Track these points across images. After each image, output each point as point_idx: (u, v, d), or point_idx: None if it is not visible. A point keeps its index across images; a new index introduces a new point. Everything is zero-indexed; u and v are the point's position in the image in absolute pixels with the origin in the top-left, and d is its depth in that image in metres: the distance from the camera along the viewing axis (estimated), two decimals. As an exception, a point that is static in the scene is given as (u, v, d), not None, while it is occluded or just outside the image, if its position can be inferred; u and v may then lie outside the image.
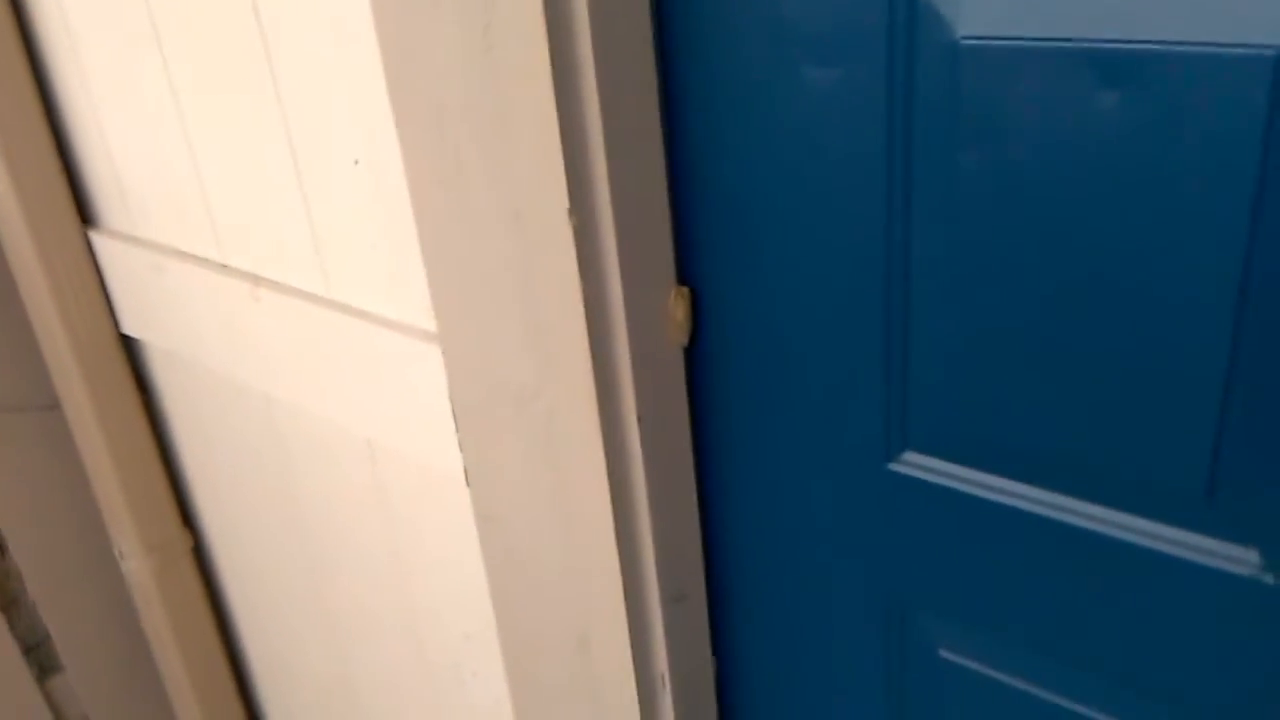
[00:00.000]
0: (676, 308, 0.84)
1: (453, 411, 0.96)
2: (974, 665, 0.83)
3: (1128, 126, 0.60)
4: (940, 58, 0.65)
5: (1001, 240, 0.67)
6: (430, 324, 0.98)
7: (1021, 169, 0.64)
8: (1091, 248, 0.64)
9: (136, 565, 1.53)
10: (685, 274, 0.85)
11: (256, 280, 1.15)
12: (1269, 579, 0.66)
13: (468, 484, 0.99)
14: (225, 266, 1.20)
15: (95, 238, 1.35)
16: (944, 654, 0.85)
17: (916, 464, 0.78)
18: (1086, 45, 0.59)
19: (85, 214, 1.36)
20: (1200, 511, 0.67)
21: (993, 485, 0.75)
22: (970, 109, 0.65)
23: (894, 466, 0.80)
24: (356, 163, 0.96)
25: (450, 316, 0.90)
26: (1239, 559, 0.66)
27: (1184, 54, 0.56)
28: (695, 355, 0.88)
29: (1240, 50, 0.55)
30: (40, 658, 1.64)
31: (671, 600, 0.94)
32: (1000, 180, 0.66)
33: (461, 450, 0.98)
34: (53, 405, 1.49)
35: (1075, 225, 0.64)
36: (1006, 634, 0.80)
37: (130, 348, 1.45)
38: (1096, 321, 0.66)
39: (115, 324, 1.41)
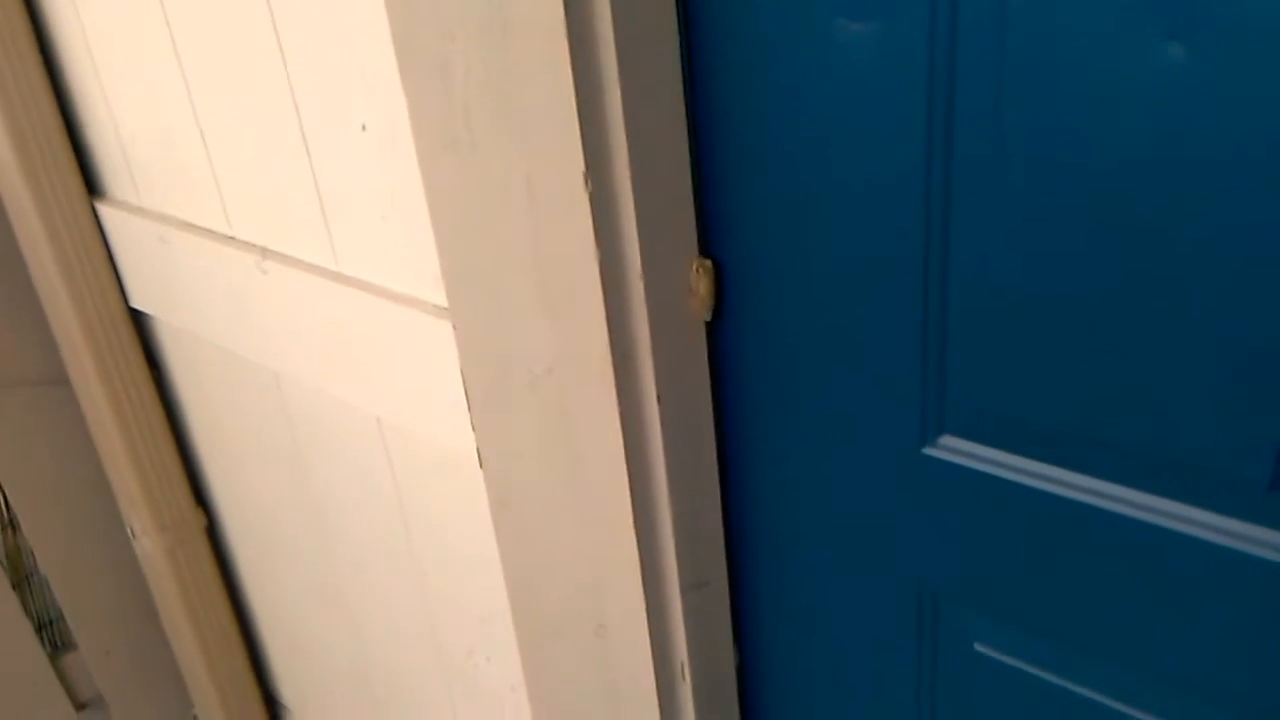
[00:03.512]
0: (699, 280, 0.80)
1: (464, 389, 0.92)
2: (1011, 660, 0.79)
3: (1195, 81, 0.54)
4: (987, 7, 0.60)
5: (1051, 207, 0.62)
6: (441, 298, 0.93)
7: (1075, 129, 0.59)
8: (1151, 216, 0.59)
9: (149, 544, 1.51)
10: (708, 245, 0.81)
11: (264, 252, 1.11)
12: (1337, 575, 0.61)
13: (480, 464, 0.95)
14: (232, 238, 1.16)
15: (102, 209, 1.32)
16: (979, 647, 0.80)
17: (954, 448, 0.74)
18: (1150, -9, 0.54)
19: (91, 185, 1.33)
20: (1261, 503, 0.62)
21: (1036, 471, 0.70)
22: (1019, 63, 0.60)
23: (930, 451, 0.75)
24: (364, 128, 0.91)
25: (461, 290, 0.86)
26: (1304, 553, 0.62)
27: (1261, 3, 0.51)
28: (719, 331, 0.84)
29: (1326, -7, 0.50)
30: (53, 635, 1.62)
31: (692, 587, 0.90)
32: (1051, 141, 0.60)
33: (474, 429, 0.94)
34: (63, 380, 1.46)
35: (1133, 191, 0.59)
36: (1046, 628, 0.75)
37: (139, 323, 1.42)
38: (1153, 296, 0.61)
39: (124, 298, 1.38)
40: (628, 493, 0.82)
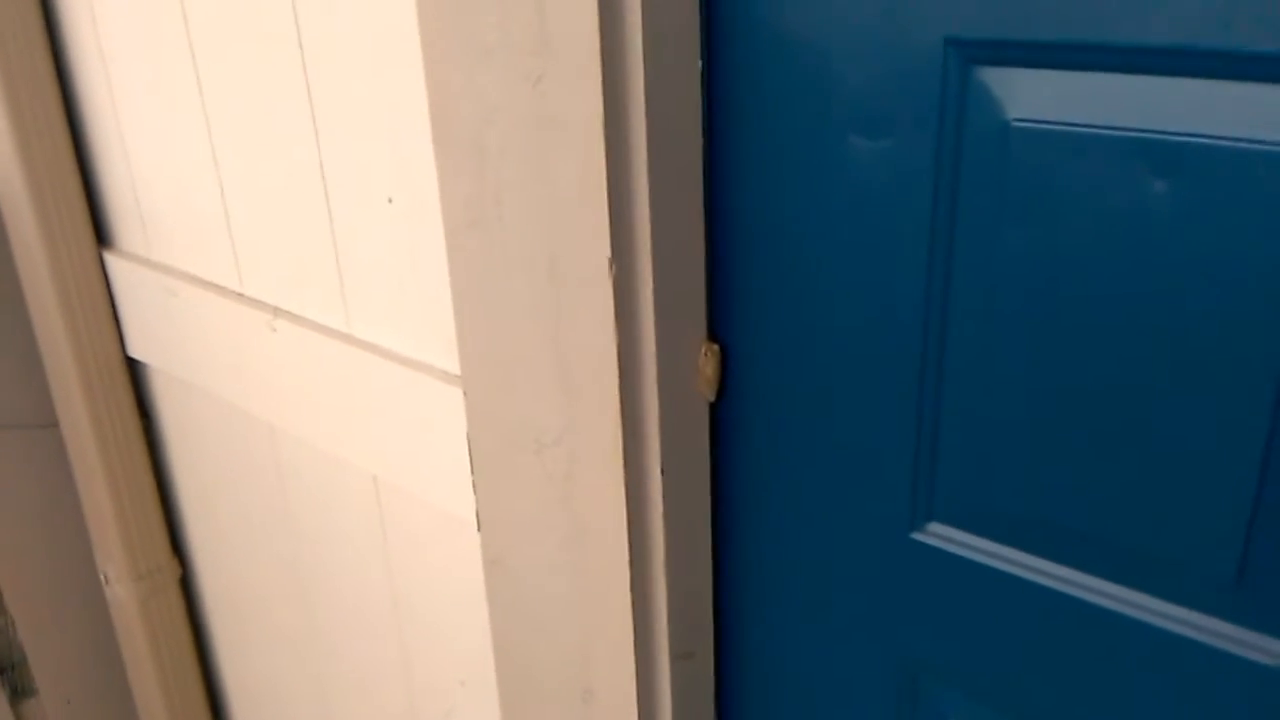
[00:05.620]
0: (706, 363, 0.85)
1: (469, 454, 0.96)
2: (985, 740, 0.83)
3: (1177, 217, 0.61)
4: (991, 137, 0.66)
5: (1042, 320, 0.68)
6: (452, 365, 0.98)
7: (1065, 252, 0.65)
8: (1132, 334, 0.65)
9: (122, 591, 1.50)
10: (715, 329, 0.86)
11: (275, 311, 1.15)
12: (1293, 670, 0.66)
13: (479, 527, 0.98)
14: (242, 295, 1.20)
15: (109, 258, 1.35)
16: (955, 727, 0.84)
17: (941, 535, 0.78)
18: (1139, 135, 0.61)
19: (101, 234, 1.36)
20: (1228, 599, 0.67)
21: (1018, 560, 0.75)
22: (1017, 189, 0.66)
23: (918, 536, 0.80)
24: (390, 200, 0.96)
25: (476, 359, 0.90)
26: (1264, 649, 0.66)
27: (1238, 150, 0.58)
28: (720, 410, 0.88)
29: (1293, 148, 0.56)
30: (14, 680, 1.60)
31: (679, 657, 0.93)
32: (1043, 262, 0.67)
33: (475, 493, 0.97)
34: (49, 424, 1.47)
35: (1117, 310, 0.65)
36: (1020, 710, 0.79)
37: (134, 371, 1.44)
38: (1132, 406, 0.66)
39: (122, 346, 1.40)
40: (627, 561, 0.86)
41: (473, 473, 0.97)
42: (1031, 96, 0.64)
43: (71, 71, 1.29)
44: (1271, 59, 0.56)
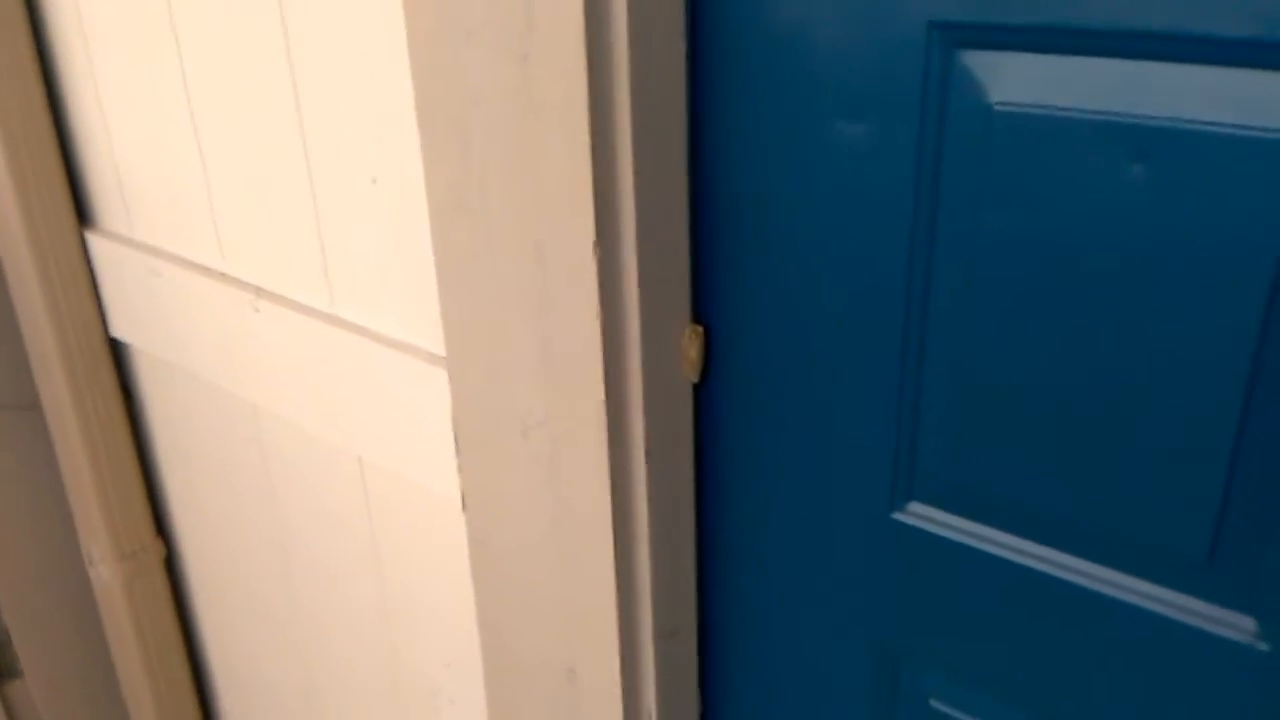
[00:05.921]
0: (690, 345, 0.85)
1: (454, 435, 0.96)
2: (963, 717, 0.84)
3: (1156, 202, 0.61)
4: (973, 120, 0.67)
5: (1020, 303, 0.69)
6: (437, 347, 0.98)
7: (1046, 235, 0.66)
8: (1108, 316, 0.65)
9: (106, 572, 1.50)
10: (700, 311, 0.86)
11: (258, 291, 1.15)
12: (1263, 646, 0.67)
13: (464, 508, 0.99)
14: (226, 275, 1.19)
15: (91, 238, 1.34)
16: (934, 704, 0.85)
17: (921, 514, 0.79)
18: (1121, 119, 0.61)
19: (83, 214, 1.35)
20: (1200, 577, 0.68)
21: (996, 540, 0.76)
22: (999, 172, 0.67)
23: (898, 516, 0.80)
24: (374, 181, 0.96)
25: (460, 341, 0.90)
26: (1235, 625, 0.68)
27: (1214, 134, 0.58)
28: (704, 392, 0.89)
29: (1272, 135, 0.57)
30: (-1, 661, 1.60)
31: (663, 636, 0.94)
32: (1023, 244, 0.67)
33: (460, 474, 0.98)
34: (31, 404, 1.46)
35: (1094, 292, 0.65)
36: (999, 687, 0.81)
37: (116, 351, 1.43)
38: (1108, 387, 0.67)
39: (104, 326, 1.39)
40: (610, 541, 0.87)
41: (458, 454, 0.97)
42: (1014, 80, 0.64)
43: (52, 49, 1.28)
44: (1253, 45, 0.56)
